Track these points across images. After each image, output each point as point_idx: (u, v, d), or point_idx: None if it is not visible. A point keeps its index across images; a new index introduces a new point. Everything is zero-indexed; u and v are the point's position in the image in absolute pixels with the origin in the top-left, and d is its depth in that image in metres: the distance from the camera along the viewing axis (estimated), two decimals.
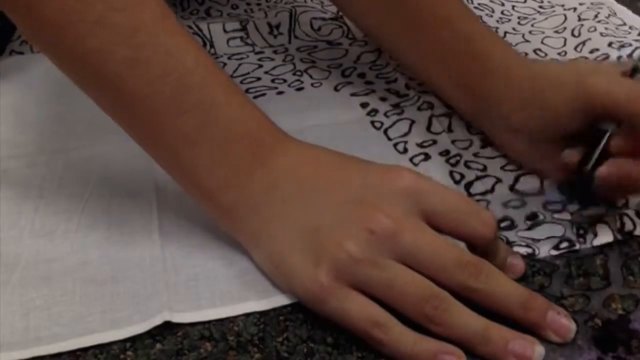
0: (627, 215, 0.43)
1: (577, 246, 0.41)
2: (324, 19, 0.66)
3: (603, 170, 0.38)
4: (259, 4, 0.69)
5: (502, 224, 0.42)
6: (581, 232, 0.42)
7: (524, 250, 0.40)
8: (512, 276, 0.37)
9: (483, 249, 0.36)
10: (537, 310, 0.34)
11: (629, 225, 0.42)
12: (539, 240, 0.41)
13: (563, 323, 0.35)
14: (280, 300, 0.38)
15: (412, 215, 0.35)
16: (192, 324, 0.37)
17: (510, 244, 0.41)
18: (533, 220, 0.42)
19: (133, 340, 0.36)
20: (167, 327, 0.36)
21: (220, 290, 0.38)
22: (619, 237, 0.41)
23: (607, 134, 0.39)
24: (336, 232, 0.35)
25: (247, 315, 0.37)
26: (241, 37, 0.63)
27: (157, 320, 0.36)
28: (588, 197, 0.42)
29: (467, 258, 0.35)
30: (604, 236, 0.41)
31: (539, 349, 0.33)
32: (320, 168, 0.38)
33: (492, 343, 0.33)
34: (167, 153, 0.39)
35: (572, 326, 0.35)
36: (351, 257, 0.34)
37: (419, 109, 0.52)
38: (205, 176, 0.38)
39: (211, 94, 0.37)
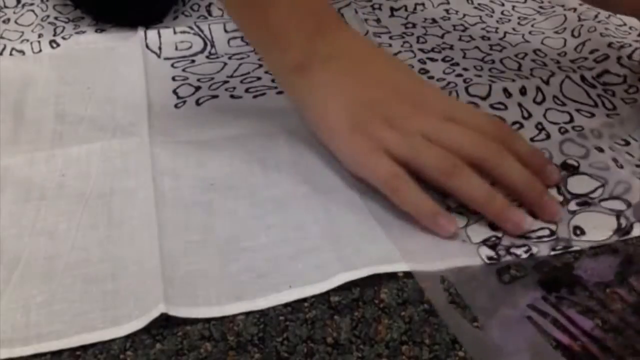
0: (624, 215, 0.43)
1: (574, 247, 0.41)
2: None
3: None
4: None
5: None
6: (578, 232, 0.42)
7: (521, 251, 0.40)
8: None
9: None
10: (537, 190, 0.42)
11: (626, 227, 0.42)
12: (536, 239, 0.41)
13: (554, 205, 0.42)
14: (275, 299, 0.38)
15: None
16: (192, 324, 0.37)
17: (509, 247, 0.41)
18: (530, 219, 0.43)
19: (133, 340, 0.36)
20: (167, 327, 0.37)
21: (216, 288, 0.39)
22: (616, 237, 0.41)
23: None
24: (381, 104, 0.43)
25: (247, 315, 0.37)
26: (242, 37, 0.63)
27: (155, 313, 0.36)
28: None
29: (487, 139, 0.42)
30: (602, 237, 0.41)
31: (530, 220, 0.41)
32: (372, 53, 0.46)
33: (494, 206, 0.41)
34: (258, 17, 0.46)
35: (561, 210, 0.42)
36: (389, 123, 0.42)
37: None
38: (279, 35, 0.45)
39: None
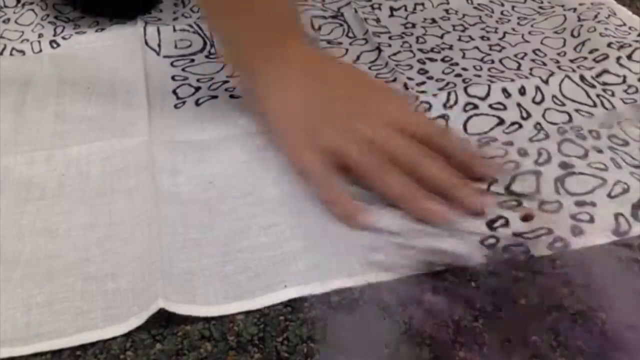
0: (623, 215, 0.43)
1: (572, 246, 0.41)
2: (324, 17, 0.66)
3: None
4: None
5: (497, 223, 0.43)
6: (576, 232, 0.42)
7: (519, 250, 0.40)
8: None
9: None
10: (457, 186, 0.43)
11: (624, 226, 0.42)
12: (533, 239, 0.41)
13: (476, 199, 0.43)
14: (273, 298, 0.38)
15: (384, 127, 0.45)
16: (192, 324, 0.37)
17: (505, 247, 0.41)
18: (528, 221, 0.43)
19: (133, 339, 0.36)
20: (167, 327, 0.37)
21: (214, 287, 0.39)
22: (615, 238, 0.41)
23: None
24: (326, 105, 0.47)
25: (247, 315, 0.37)
26: None
27: (154, 308, 0.37)
28: None
29: (413, 143, 0.45)
30: (600, 237, 0.41)
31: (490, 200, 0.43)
32: (327, 61, 0.51)
33: (416, 199, 0.42)
34: (227, 20, 0.50)
35: (485, 203, 0.43)
36: (330, 122, 0.46)
37: (416, 110, 0.52)
38: (245, 37, 0.49)
39: None
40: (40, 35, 0.64)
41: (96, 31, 0.64)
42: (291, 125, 0.47)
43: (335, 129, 0.45)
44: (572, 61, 0.59)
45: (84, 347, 0.36)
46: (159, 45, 0.61)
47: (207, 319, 0.37)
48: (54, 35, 0.63)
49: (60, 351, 0.36)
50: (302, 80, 0.48)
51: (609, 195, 0.44)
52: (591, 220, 0.43)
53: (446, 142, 0.46)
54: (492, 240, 0.41)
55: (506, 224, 0.42)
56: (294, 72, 0.48)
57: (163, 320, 0.37)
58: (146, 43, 0.61)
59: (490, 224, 0.42)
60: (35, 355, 0.36)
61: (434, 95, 0.54)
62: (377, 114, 0.46)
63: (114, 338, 0.36)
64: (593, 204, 0.44)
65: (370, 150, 0.44)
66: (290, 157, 0.47)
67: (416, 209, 0.42)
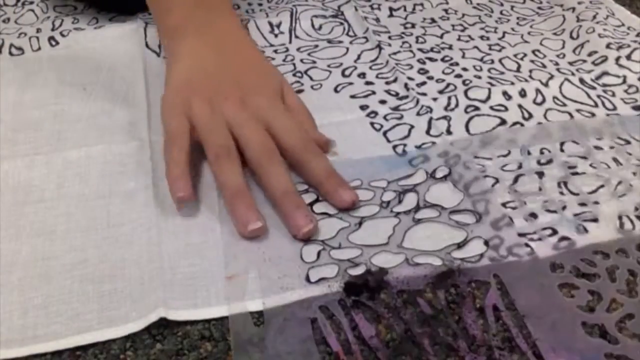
0: (626, 214, 0.43)
1: (577, 245, 0.41)
2: (324, 16, 0.65)
3: None
4: (260, 4, 0.69)
5: (501, 223, 0.42)
6: (580, 231, 0.42)
7: (524, 252, 0.40)
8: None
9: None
10: (332, 182, 0.44)
11: (628, 225, 0.42)
12: (538, 240, 0.41)
13: (346, 195, 0.43)
14: (275, 300, 0.38)
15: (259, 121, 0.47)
16: (192, 324, 0.37)
17: (510, 247, 0.41)
18: (532, 220, 0.43)
19: (133, 340, 0.36)
20: (167, 327, 0.36)
21: (216, 289, 0.39)
22: (619, 237, 0.41)
23: None
24: (217, 81, 0.49)
25: (247, 315, 0.37)
26: None
27: (153, 317, 0.36)
28: None
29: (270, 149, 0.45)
30: (604, 236, 0.41)
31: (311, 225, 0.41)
32: (239, 40, 0.54)
33: (288, 203, 0.42)
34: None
35: (352, 198, 0.43)
36: (209, 100, 0.47)
37: (418, 114, 0.52)
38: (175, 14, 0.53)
39: None
40: (38, 30, 0.63)
41: (95, 28, 0.63)
42: (172, 91, 0.49)
43: (207, 110, 0.46)
44: (571, 64, 0.59)
45: (83, 347, 0.36)
46: (160, 47, 0.61)
47: (207, 319, 0.37)
48: (52, 29, 0.63)
49: (59, 351, 0.36)
50: (209, 51, 0.51)
51: (613, 195, 0.44)
52: (595, 219, 0.42)
53: (303, 160, 0.45)
54: (496, 241, 0.41)
55: (510, 223, 0.42)
56: (208, 39, 0.51)
57: (163, 320, 0.37)
58: (147, 45, 0.61)
59: (495, 224, 0.42)
60: (35, 356, 0.35)
61: (434, 99, 0.54)
62: (253, 109, 0.47)
63: (114, 339, 0.36)
64: (597, 204, 0.44)
65: (218, 139, 0.45)
66: (163, 123, 0.48)
67: (229, 203, 0.43)
